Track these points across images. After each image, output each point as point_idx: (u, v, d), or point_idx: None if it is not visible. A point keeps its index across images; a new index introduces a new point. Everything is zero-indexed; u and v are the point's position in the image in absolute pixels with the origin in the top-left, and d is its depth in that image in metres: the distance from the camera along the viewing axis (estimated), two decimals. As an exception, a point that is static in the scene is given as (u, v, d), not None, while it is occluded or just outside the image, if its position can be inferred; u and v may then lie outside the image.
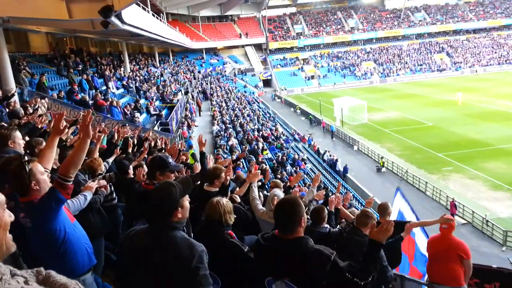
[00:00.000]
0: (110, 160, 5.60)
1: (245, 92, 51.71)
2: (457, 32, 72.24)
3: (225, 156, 17.10)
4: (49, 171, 2.91)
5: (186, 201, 2.42)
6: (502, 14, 72.53)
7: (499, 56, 65.77)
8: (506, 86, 46.74)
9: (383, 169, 24.57)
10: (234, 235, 2.97)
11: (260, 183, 7.48)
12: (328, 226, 4.55)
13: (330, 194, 15.07)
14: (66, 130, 3.90)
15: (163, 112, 21.32)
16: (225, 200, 3.05)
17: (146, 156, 6.71)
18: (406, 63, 65.78)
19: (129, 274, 2.40)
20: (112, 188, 4.68)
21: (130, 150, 6.86)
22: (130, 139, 7.37)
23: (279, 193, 4.37)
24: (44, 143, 4.53)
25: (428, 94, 46.93)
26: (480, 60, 65.17)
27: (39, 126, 6.09)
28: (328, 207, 5.48)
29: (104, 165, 5.13)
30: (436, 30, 71.73)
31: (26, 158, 2.66)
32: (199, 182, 4.70)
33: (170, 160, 3.83)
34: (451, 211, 17.54)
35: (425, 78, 61.47)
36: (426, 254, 5.42)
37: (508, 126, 29.91)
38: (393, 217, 5.90)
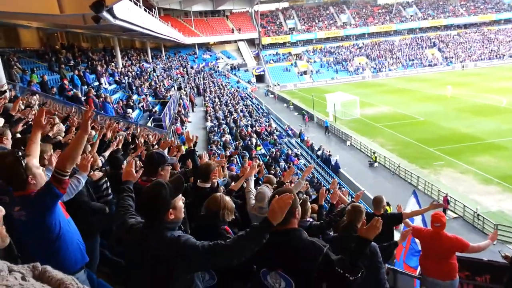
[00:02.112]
0: (106, 154, 5.57)
1: (238, 87, 51.60)
2: (448, 27, 72.64)
3: (218, 152, 17.12)
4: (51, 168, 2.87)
5: (180, 201, 2.40)
6: (493, 9, 73.08)
7: (490, 51, 66.29)
8: (496, 81, 47.20)
9: (376, 164, 24.71)
10: (230, 230, 3.00)
11: (254, 178, 7.48)
12: (311, 220, 4.57)
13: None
14: (48, 125, 3.86)
15: (156, 108, 21.23)
16: (228, 198, 3.09)
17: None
18: (398, 58, 66.04)
19: (132, 267, 2.43)
20: (108, 184, 4.66)
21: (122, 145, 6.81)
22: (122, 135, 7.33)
23: (266, 189, 4.41)
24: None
25: (419, 89, 47.16)
26: (471, 55, 65.63)
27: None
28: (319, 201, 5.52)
29: (101, 159, 5.11)
30: (428, 25, 72.04)
31: (20, 153, 2.64)
32: (192, 178, 4.72)
33: (166, 154, 3.90)
34: (444, 206, 17.74)
35: (417, 73, 61.76)
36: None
37: (498, 120, 30.22)
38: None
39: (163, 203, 2.27)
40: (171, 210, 2.31)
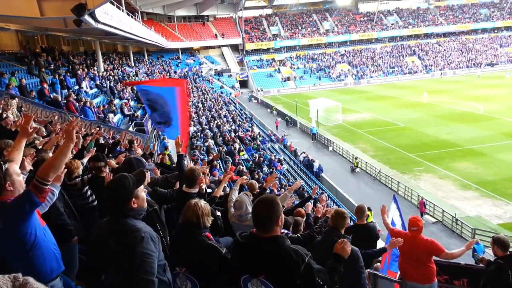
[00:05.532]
0: (85, 160, 5.47)
1: (221, 93, 51.54)
2: (428, 36, 74.44)
3: (201, 157, 17.05)
4: (25, 173, 2.85)
5: (142, 192, 2.60)
6: (470, 19, 75.21)
7: (468, 59, 68.08)
8: (474, 89, 48.52)
9: (357, 170, 24.99)
10: (211, 237, 2.97)
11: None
12: (286, 231, 4.59)
13: (305, 194, 15.13)
14: (34, 133, 3.83)
15: (138, 113, 20.99)
16: (203, 203, 3.05)
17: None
18: (379, 65, 67.17)
19: (96, 262, 2.60)
20: (90, 191, 4.60)
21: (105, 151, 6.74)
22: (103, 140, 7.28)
23: (244, 198, 4.44)
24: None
25: (400, 96, 48.04)
26: (450, 63, 67.27)
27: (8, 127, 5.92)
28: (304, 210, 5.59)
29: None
30: (408, 34, 73.57)
31: (2, 158, 2.61)
32: (178, 184, 4.70)
33: (144, 160, 3.91)
34: (421, 210, 18.05)
35: (397, 80, 62.93)
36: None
37: (476, 127, 30.95)
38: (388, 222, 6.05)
39: (127, 191, 2.47)
40: (133, 199, 2.50)
